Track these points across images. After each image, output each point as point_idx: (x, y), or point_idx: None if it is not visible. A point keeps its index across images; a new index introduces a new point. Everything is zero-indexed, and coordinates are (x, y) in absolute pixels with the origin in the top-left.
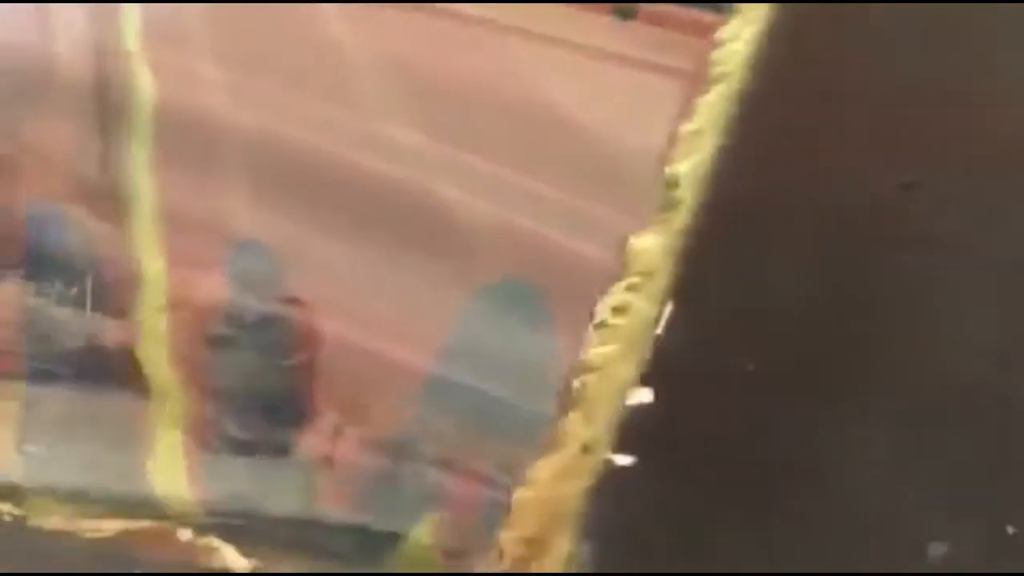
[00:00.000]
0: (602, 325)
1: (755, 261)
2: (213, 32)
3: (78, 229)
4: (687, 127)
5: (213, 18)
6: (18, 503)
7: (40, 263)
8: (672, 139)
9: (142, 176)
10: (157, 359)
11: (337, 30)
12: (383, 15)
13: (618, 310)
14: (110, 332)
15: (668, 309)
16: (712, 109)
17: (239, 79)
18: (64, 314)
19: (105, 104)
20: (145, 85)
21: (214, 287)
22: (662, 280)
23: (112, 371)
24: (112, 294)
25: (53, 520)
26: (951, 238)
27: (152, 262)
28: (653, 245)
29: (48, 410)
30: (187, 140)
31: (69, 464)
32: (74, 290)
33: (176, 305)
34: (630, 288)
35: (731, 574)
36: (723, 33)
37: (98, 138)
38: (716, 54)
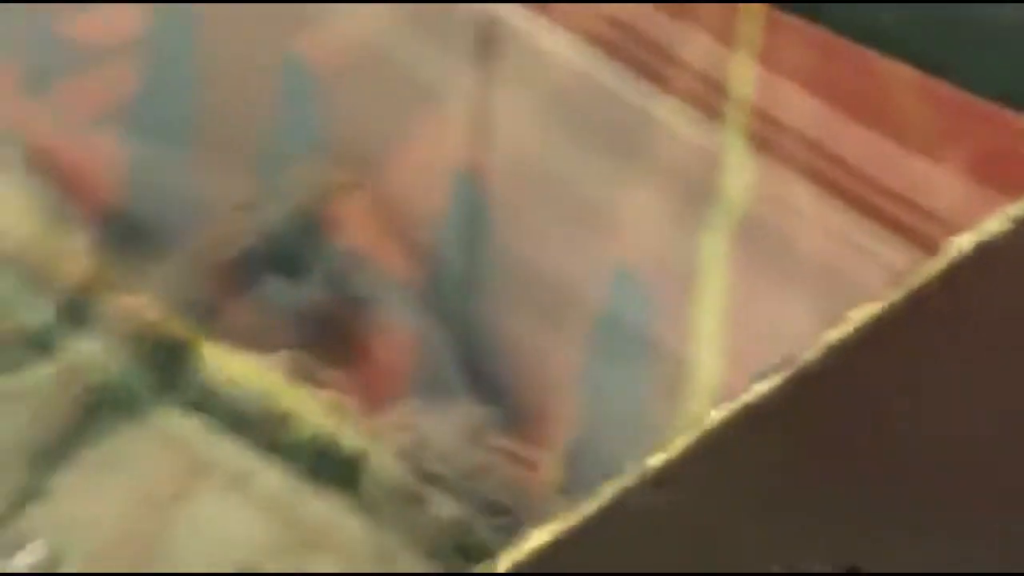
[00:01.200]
0: None
1: None
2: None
3: (652, 303)
4: None
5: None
6: None
7: (614, 330)
8: None
9: (716, 267)
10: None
11: None
12: None
13: None
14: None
15: None
16: None
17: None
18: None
19: (695, 187)
20: (739, 181)
21: None
22: None
23: None
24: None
25: None
26: None
27: (709, 355)
28: None
29: None
30: (766, 243)
31: None
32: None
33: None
34: None
35: None
36: None
37: (681, 217)
38: None
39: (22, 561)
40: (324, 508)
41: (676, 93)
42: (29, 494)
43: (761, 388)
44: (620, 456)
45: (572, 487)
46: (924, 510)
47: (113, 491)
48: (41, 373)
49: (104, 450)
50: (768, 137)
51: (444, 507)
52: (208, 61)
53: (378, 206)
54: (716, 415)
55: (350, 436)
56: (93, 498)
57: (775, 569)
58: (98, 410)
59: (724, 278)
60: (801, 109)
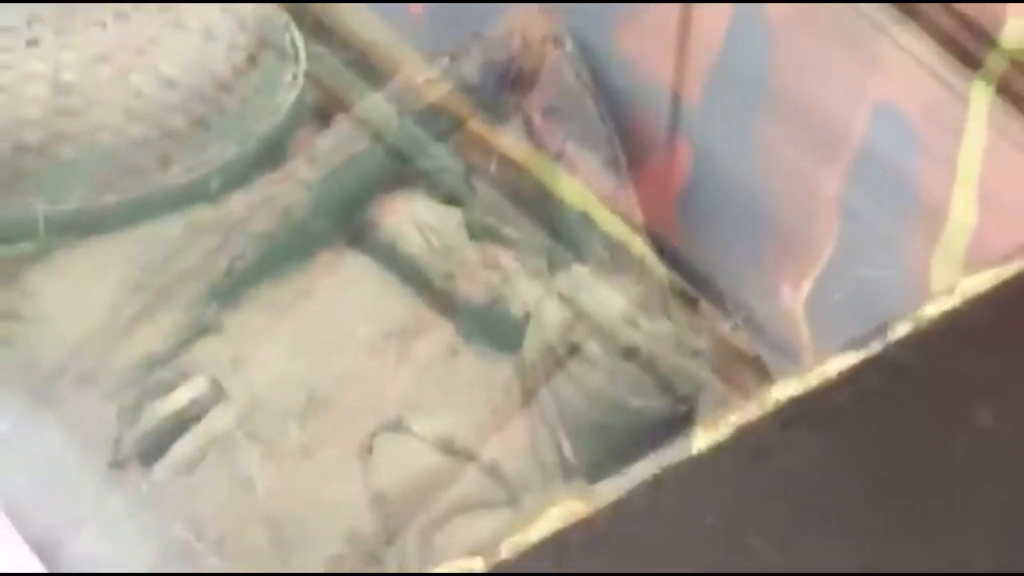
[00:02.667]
0: None
1: None
2: None
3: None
4: None
5: None
6: None
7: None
8: None
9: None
10: None
11: None
12: None
13: None
14: None
15: None
16: None
17: None
18: None
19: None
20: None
21: None
22: None
23: None
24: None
25: None
26: None
27: (965, 201)
28: None
29: None
30: None
31: None
32: None
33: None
34: None
35: None
36: None
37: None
38: None
39: (183, 395)
40: (482, 370)
41: None
42: (201, 329)
43: (837, 365)
44: (866, 283)
45: (816, 312)
46: (977, 544)
47: (282, 335)
48: (234, 204)
49: (276, 292)
50: None
51: (591, 380)
52: None
53: (662, 22)
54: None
55: (519, 297)
56: (261, 339)
57: None
58: (285, 245)
59: (986, 128)
60: None
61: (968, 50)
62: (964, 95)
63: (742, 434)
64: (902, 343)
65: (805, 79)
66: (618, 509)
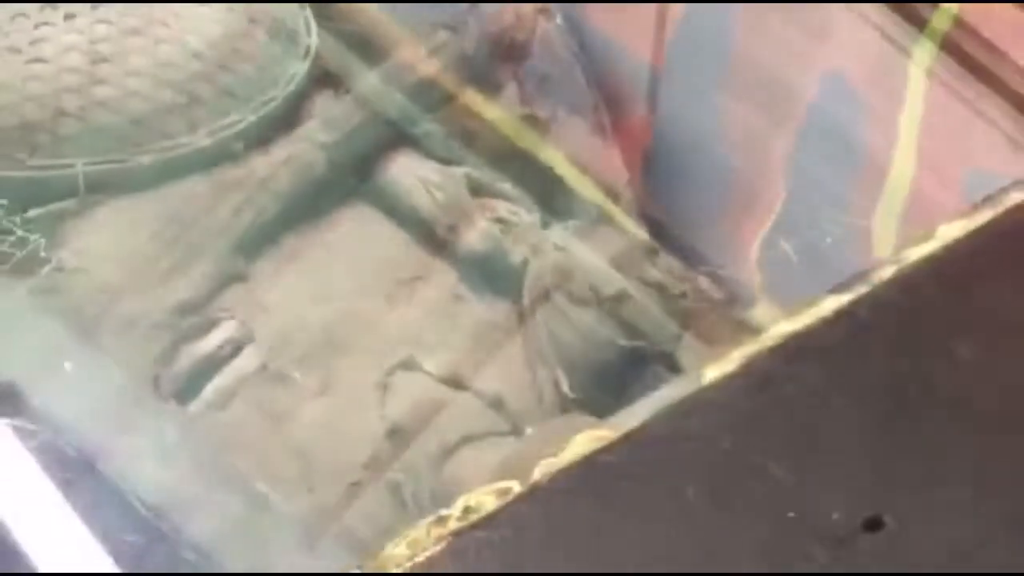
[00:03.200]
0: None
1: None
2: None
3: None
4: None
5: None
6: None
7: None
8: None
9: (919, 80)
10: None
11: None
12: None
13: None
14: None
15: None
16: None
17: None
18: None
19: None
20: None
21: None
22: None
23: None
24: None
25: None
26: None
27: (905, 159)
28: None
29: None
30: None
31: None
32: None
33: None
34: None
35: None
36: None
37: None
38: None
39: (215, 338)
40: (484, 312)
41: None
42: (229, 278)
43: (831, 304)
44: (815, 238)
45: (767, 261)
46: (959, 462)
47: (302, 282)
48: (256, 164)
49: (296, 244)
50: None
51: (584, 322)
52: None
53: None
54: (780, 328)
55: (517, 247)
56: (283, 287)
57: (790, 515)
58: (304, 201)
59: (926, 90)
60: None
61: (914, 11)
62: (909, 56)
63: (749, 367)
64: (888, 284)
65: (761, 48)
66: (642, 434)
